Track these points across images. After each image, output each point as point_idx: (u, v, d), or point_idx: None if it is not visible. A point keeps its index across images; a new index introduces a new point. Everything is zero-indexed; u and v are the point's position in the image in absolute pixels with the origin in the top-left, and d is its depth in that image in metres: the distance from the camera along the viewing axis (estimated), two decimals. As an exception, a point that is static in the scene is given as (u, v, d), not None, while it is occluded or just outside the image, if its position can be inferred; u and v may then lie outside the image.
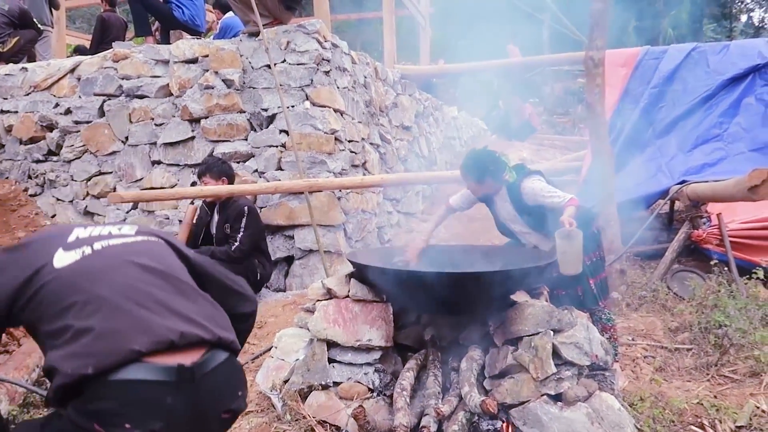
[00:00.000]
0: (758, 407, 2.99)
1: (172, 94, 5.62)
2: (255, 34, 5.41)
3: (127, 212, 5.78)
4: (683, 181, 5.51)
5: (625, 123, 6.50)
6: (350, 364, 3.06)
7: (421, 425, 2.59)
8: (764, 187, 3.90)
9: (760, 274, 4.24)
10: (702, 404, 2.99)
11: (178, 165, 5.60)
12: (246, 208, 4.62)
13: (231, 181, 4.83)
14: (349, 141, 5.64)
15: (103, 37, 7.41)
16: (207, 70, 5.48)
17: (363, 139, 6.04)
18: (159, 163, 5.69)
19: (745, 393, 3.20)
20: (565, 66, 16.44)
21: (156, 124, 5.66)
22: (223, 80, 5.38)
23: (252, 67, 5.41)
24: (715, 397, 3.16)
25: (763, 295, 4.37)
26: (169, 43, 6.16)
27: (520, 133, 12.05)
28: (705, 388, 3.29)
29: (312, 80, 5.26)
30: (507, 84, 13.99)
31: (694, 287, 4.38)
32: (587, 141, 6.62)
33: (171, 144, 5.59)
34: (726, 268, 4.70)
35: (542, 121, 14.51)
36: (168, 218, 5.58)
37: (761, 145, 5.81)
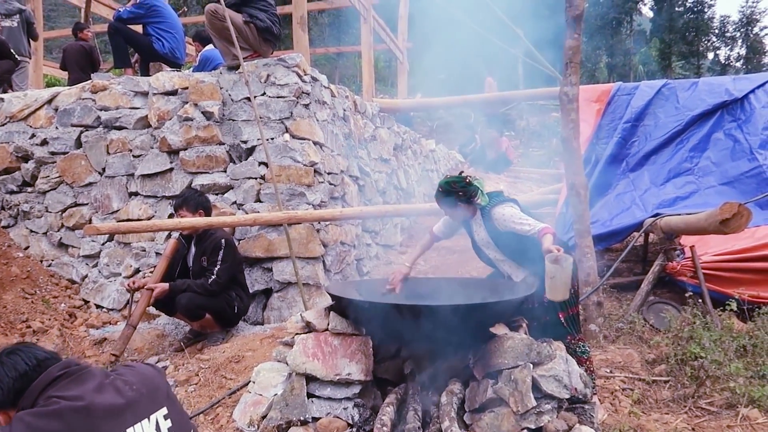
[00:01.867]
0: (735, 439, 3.02)
1: (150, 126, 5.61)
2: (235, 67, 5.45)
3: (103, 244, 5.71)
4: (657, 214, 5.61)
5: (600, 157, 6.64)
6: (329, 398, 3.03)
7: (401, 461, 2.56)
8: (735, 221, 3.99)
9: (734, 305, 4.31)
10: (680, 437, 3.01)
11: (155, 196, 5.56)
12: (223, 240, 4.59)
13: (208, 214, 4.81)
14: (329, 173, 5.66)
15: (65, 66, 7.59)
16: (186, 102, 5.49)
17: (342, 171, 6.06)
18: (136, 194, 5.64)
19: (722, 425, 3.23)
20: (540, 100, 16.81)
21: (134, 156, 5.63)
22: (202, 112, 5.39)
23: (232, 100, 5.44)
24: (693, 429, 3.18)
25: (737, 327, 4.44)
26: (149, 75, 6.17)
27: (497, 166, 12.20)
28: (683, 420, 3.31)
29: (291, 113, 5.29)
30: (483, 117, 14.22)
31: (670, 319, 4.44)
32: (563, 174, 6.75)
33: (149, 175, 5.55)
34: (700, 300, 4.77)
35: (518, 154, 14.72)
36: (144, 250, 5.51)
37: (731, 179, 5.97)
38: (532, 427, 2.65)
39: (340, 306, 3.20)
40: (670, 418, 3.36)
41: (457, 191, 3.45)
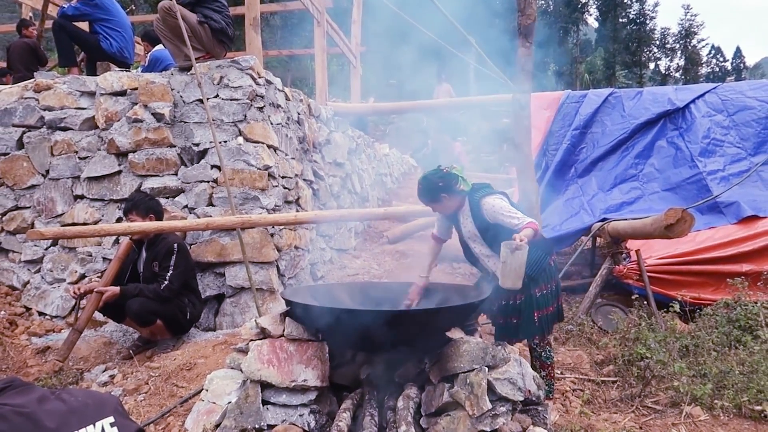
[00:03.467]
0: (680, 437, 3.13)
1: (97, 127, 5.44)
2: (187, 68, 5.34)
3: (46, 249, 5.50)
4: (604, 219, 5.80)
5: (550, 163, 6.82)
6: (285, 405, 2.99)
7: (358, 467, 2.55)
8: (679, 226, 4.15)
9: (677, 307, 4.48)
10: (628, 435, 3.10)
11: (102, 200, 5.39)
12: (176, 245, 4.49)
13: (159, 218, 4.69)
14: (283, 177, 5.61)
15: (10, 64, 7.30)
16: (136, 103, 5.34)
17: (296, 175, 6.02)
18: (82, 197, 5.46)
19: (668, 423, 3.35)
20: (492, 107, 17.08)
21: (80, 158, 5.45)
22: (152, 114, 5.26)
23: (183, 102, 5.33)
24: (640, 428, 3.28)
25: (680, 328, 4.61)
26: (96, 75, 5.98)
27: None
28: (630, 419, 3.42)
29: (245, 116, 5.22)
30: (435, 122, 14.35)
31: (617, 321, 4.58)
32: (514, 179, 6.88)
33: (96, 178, 5.38)
34: (645, 302, 4.94)
35: (470, 159, 14.91)
36: (91, 255, 5.34)
37: (673, 186, 6.22)
38: (488, 429, 2.69)
39: (295, 311, 3.17)
40: (618, 417, 3.46)
41: (437, 182, 3.42)
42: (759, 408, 3.33)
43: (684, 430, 3.22)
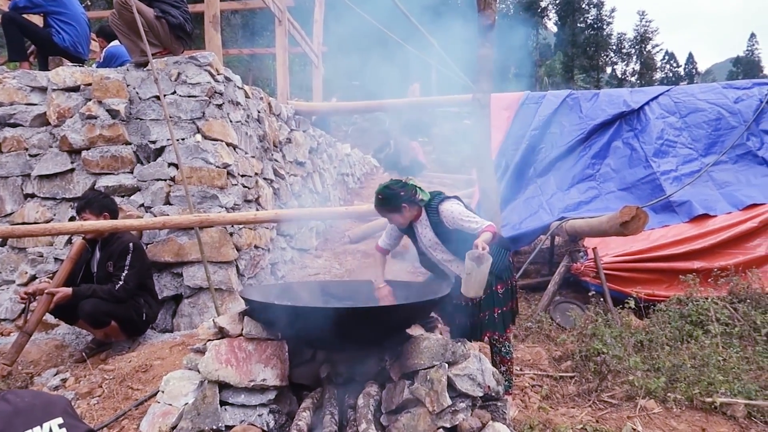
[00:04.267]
0: (635, 429, 3.20)
1: (49, 124, 5.27)
2: (143, 64, 5.22)
3: (-6, 249, 5.31)
4: (562, 218, 5.89)
5: (510, 163, 6.89)
6: (243, 405, 2.95)
7: (318, 466, 2.53)
8: (633, 223, 4.25)
9: (632, 303, 4.58)
10: (586, 429, 3.15)
11: (54, 199, 5.22)
12: (131, 244, 4.38)
13: (113, 216, 4.57)
14: (242, 176, 5.53)
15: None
16: (90, 99, 5.20)
17: (256, 174, 5.94)
18: (33, 196, 5.28)
19: (623, 416, 3.41)
20: (453, 107, 17.22)
21: (30, 155, 5.27)
22: (107, 110, 5.12)
23: (140, 98, 5.21)
24: (597, 421, 3.34)
25: (635, 324, 4.72)
26: (48, 70, 5.80)
27: (411, 171, 12.38)
28: (587, 413, 3.47)
29: (204, 113, 5.13)
30: (397, 123, 14.40)
31: (575, 318, 4.66)
32: (475, 179, 6.94)
33: (47, 176, 5.21)
34: (602, 299, 5.04)
35: (431, 160, 14.99)
36: (42, 256, 5.17)
37: (628, 185, 6.36)
38: (448, 425, 2.70)
39: (254, 310, 3.13)
40: (576, 411, 3.52)
41: (398, 192, 3.41)
42: (710, 400, 3.43)
43: (639, 423, 3.29)
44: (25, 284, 5.10)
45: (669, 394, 3.55)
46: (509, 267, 3.58)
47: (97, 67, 6.46)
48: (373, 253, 3.98)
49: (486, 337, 3.55)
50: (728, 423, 3.28)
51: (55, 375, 4.17)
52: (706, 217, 5.78)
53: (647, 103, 6.84)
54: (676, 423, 3.30)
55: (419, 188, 3.49)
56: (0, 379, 3.97)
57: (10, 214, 5.27)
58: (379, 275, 3.75)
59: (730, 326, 4.50)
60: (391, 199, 3.43)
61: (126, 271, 4.28)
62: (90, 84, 5.22)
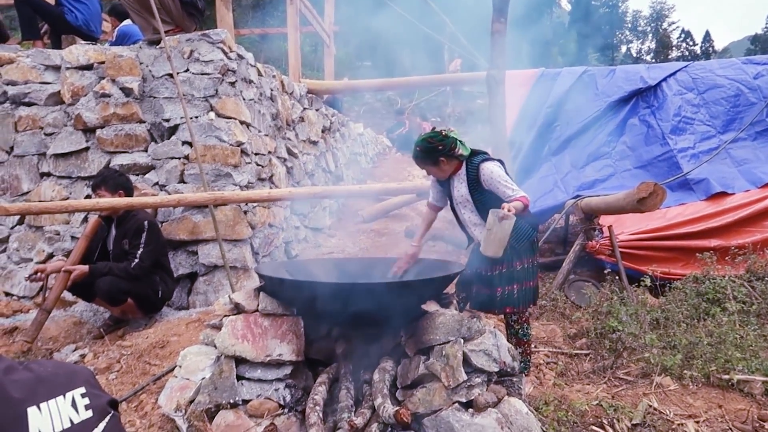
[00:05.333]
0: (651, 406, 3.18)
1: (64, 102, 5.29)
2: (156, 42, 5.21)
3: (12, 228, 5.36)
4: (577, 196, 5.83)
5: (524, 140, 6.82)
6: (260, 380, 2.96)
7: (334, 439, 2.55)
8: (651, 199, 4.19)
9: (648, 281, 4.55)
10: (601, 405, 3.14)
11: (70, 177, 5.25)
12: (146, 223, 4.40)
13: (128, 194, 4.58)
14: (256, 154, 5.53)
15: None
16: (103, 78, 5.20)
17: (270, 152, 5.94)
18: (49, 175, 5.31)
19: (639, 393, 3.40)
20: (465, 87, 17.07)
21: (46, 134, 5.30)
22: (120, 88, 5.13)
23: (153, 76, 5.20)
24: (613, 398, 3.33)
25: (651, 302, 4.69)
26: (61, 48, 5.80)
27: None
28: (603, 390, 3.46)
29: (217, 91, 5.12)
30: (410, 103, 14.34)
31: (590, 295, 4.63)
32: (488, 157, 6.88)
33: (62, 155, 5.24)
34: (617, 277, 5.00)
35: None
36: (59, 234, 5.21)
37: (645, 163, 6.28)
38: (463, 400, 2.70)
39: (270, 286, 3.14)
40: (591, 388, 3.51)
41: (436, 146, 3.34)
42: (726, 377, 3.40)
43: (654, 399, 3.27)
44: (43, 262, 5.16)
45: (685, 372, 3.53)
46: (532, 247, 3.50)
47: (109, 45, 6.46)
48: (388, 232, 3.96)
49: (504, 314, 3.53)
50: (745, 400, 3.26)
51: (74, 351, 4.23)
52: (723, 194, 5.70)
53: (664, 79, 6.73)
54: (693, 400, 3.28)
55: (460, 141, 3.40)
56: (20, 354, 4.03)
57: (27, 192, 5.32)
58: (418, 234, 3.70)
59: (747, 304, 4.45)
60: (429, 152, 3.36)
61: (141, 249, 4.30)
62: (103, 62, 5.22)
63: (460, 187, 3.47)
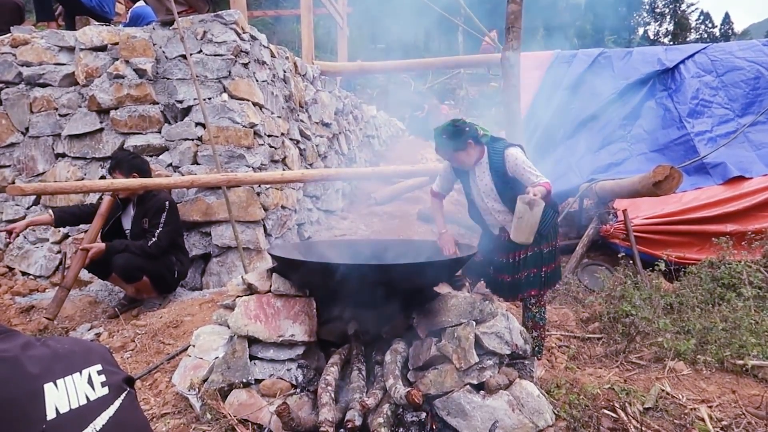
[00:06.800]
0: (663, 390, 3.17)
1: (78, 83, 5.30)
2: (169, 23, 5.20)
3: (28, 208, 5.41)
4: (592, 179, 5.78)
5: (539, 123, 6.77)
6: (272, 360, 2.99)
7: (346, 419, 2.56)
8: (667, 183, 4.15)
9: (662, 266, 4.51)
10: (613, 389, 3.13)
11: (84, 158, 5.28)
12: (167, 202, 4.42)
13: (143, 176, 4.60)
14: (269, 136, 5.52)
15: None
16: (117, 59, 5.20)
17: (283, 134, 5.93)
18: (63, 156, 5.35)
19: (651, 377, 3.38)
20: (480, 70, 16.91)
21: (60, 115, 5.32)
22: (134, 70, 5.13)
23: (166, 57, 5.19)
24: (625, 381, 3.31)
25: (665, 286, 4.66)
26: (75, 29, 5.81)
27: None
28: (615, 374, 3.45)
29: (230, 72, 5.11)
30: (423, 86, 14.22)
31: (603, 279, 4.61)
32: (503, 141, 6.82)
33: (77, 136, 5.26)
34: (631, 262, 4.97)
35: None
36: (73, 214, 5.26)
37: (661, 147, 6.21)
38: (475, 382, 2.70)
39: (282, 267, 3.15)
40: (603, 372, 3.50)
41: (463, 128, 3.27)
42: (741, 362, 3.38)
43: (667, 384, 3.26)
44: (59, 242, 5.22)
45: (699, 357, 3.51)
46: (555, 228, 3.51)
47: (123, 27, 6.46)
48: (400, 214, 3.94)
49: (522, 297, 3.52)
50: (759, 385, 3.24)
51: (89, 330, 4.28)
52: (740, 179, 5.63)
53: (683, 61, 6.63)
54: (706, 385, 3.27)
55: (481, 127, 3.36)
56: (37, 332, 4.09)
57: (42, 173, 5.36)
58: (439, 221, 3.66)
59: (763, 290, 4.41)
60: (458, 135, 3.28)
61: (160, 228, 4.33)
62: (117, 43, 5.21)
63: (483, 176, 3.41)
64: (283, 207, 5.67)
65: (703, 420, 2.79)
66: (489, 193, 3.43)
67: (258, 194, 5.18)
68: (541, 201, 2.93)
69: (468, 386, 2.69)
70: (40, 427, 1.40)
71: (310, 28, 8.53)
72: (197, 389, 2.96)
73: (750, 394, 3.10)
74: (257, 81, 5.37)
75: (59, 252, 5.26)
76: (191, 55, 5.04)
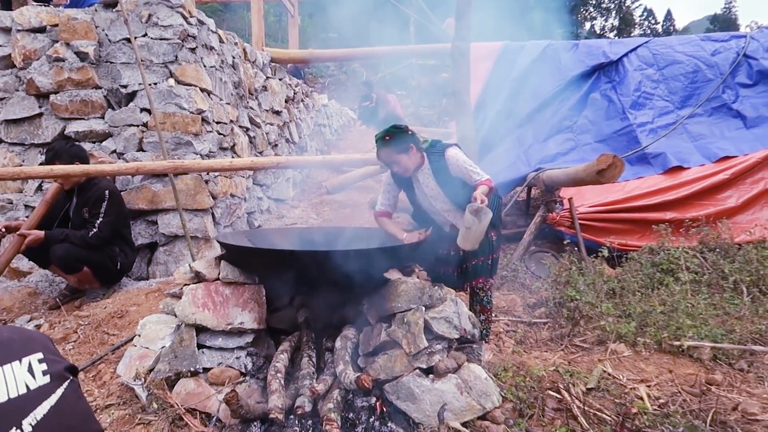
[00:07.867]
0: (605, 371, 3.28)
1: (15, 66, 5.08)
2: (112, 5, 5.03)
3: (-38, 196, 5.17)
4: (539, 169, 5.90)
5: (488, 113, 6.85)
6: (221, 348, 2.95)
7: (296, 405, 2.55)
8: (610, 171, 4.27)
9: (605, 252, 4.65)
10: (558, 371, 3.22)
11: (23, 144, 5.08)
12: (107, 192, 4.28)
13: (84, 164, 4.45)
14: (217, 122, 5.42)
15: None
16: (57, 41, 5.00)
17: (232, 121, 5.83)
18: (0, 141, 5.12)
19: (594, 359, 3.49)
20: (431, 60, 17.00)
21: (-5, 99, 5.10)
22: (75, 53, 4.94)
23: (109, 41, 5.02)
24: (569, 364, 3.41)
25: (608, 272, 4.81)
26: (11, 9, 5.55)
27: (387, 124, 12.28)
28: (560, 356, 3.55)
29: (176, 57, 4.98)
30: (375, 75, 14.19)
31: (550, 266, 4.72)
32: (452, 133, 6.90)
33: (14, 121, 5.05)
34: (576, 248, 5.11)
35: (409, 114, 14.87)
36: (11, 203, 5.05)
37: (605, 137, 6.38)
38: (424, 366, 2.74)
39: (231, 255, 3.11)
40: (549, 355, 3.59)
41: (406, 130, 3.29)
42: (677, 343, 3.52)
43: (609, 365, 3.37)
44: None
45: (639, 339, 3.64)
46: (500, 216, 3.59)
47: (64, 8, 6.21)
48: (351, 203, 3.93)
49: (470, 285, 3.57)
50: (694, 365, 3.38)
51: (28, 321, 4.13)
52: (679, 168, 5.84)
53: (626, 54, 6.82)
54: (645, 365, 3.39)
55: (420, 136, 3.41)
56: (-29, 324, 3.93)
57: (-23, 159, 5.13)
58: (395, 230, 3.52)
59: (699, 274, 4.61)
60: (400, 138, 3.29)
61: (101, 219, 4.20)
62: (56, 25, 5.01)
63: (428, 181, 3.45)
64: (232, 195, 5.59)
65: (642, 398, 2.90)
66: (437, 197, 3.48)
67: (206, 182, 5.09)
68: (489, 211, 2.99)
69: (417, 370, 2.72)
70: None
71: (260, 14, 8.39)
72: (143, 379, 2.90)
73: (686, 373, 3.23)
74: (205, 66, 5.26)
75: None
76: (136, 38, 4.89)
